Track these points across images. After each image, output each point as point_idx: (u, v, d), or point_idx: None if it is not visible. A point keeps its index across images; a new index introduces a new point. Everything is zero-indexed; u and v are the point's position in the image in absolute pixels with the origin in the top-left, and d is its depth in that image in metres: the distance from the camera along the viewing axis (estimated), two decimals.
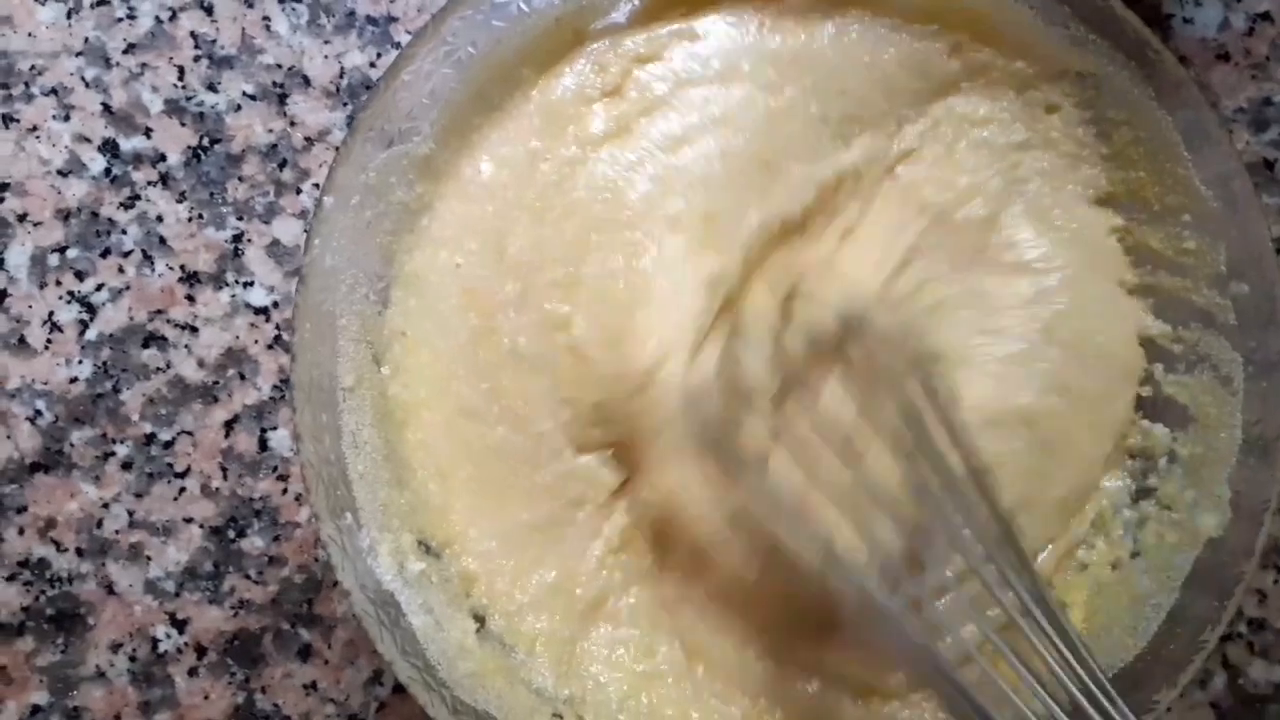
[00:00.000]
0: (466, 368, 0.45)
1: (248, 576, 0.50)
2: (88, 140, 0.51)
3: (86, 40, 0.51)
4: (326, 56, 0.52)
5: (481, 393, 0.45)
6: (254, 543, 0.50)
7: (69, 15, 0.51)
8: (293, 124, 0.51)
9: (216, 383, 0.50)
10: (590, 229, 0.46)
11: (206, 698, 0.49)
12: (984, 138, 0.48)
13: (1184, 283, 0.46)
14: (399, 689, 0.50)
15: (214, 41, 0.52)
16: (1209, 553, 0.43)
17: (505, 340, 0.45)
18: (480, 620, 0.44)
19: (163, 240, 0.51)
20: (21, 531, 0.49)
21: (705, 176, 0.46)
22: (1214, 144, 0.44)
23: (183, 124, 0.51)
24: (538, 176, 0.46)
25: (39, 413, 0.50)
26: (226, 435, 0.50)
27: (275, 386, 0.50)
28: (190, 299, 0.50)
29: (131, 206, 0.51)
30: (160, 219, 0.51)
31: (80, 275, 0.50)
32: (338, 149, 0.41)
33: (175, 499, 0.50)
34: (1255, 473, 0.43)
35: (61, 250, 0.50)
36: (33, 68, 0.51)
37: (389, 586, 0.41)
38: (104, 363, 0.50)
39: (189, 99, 0.51)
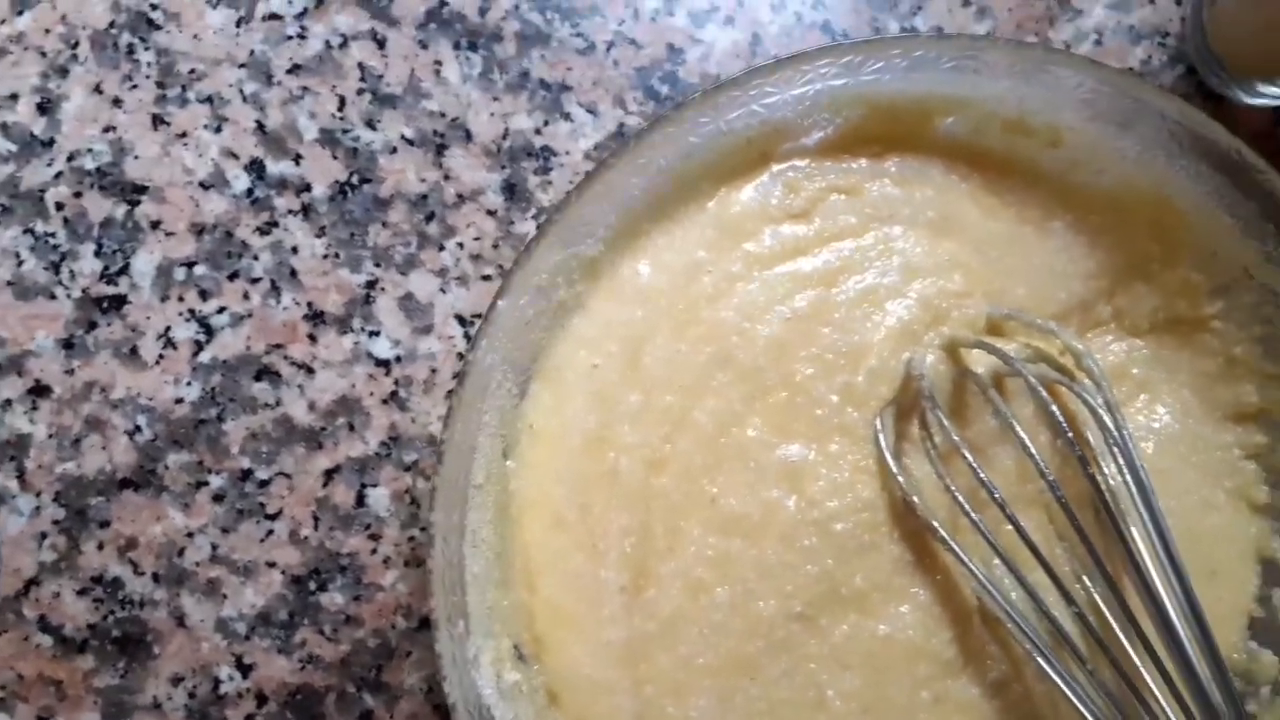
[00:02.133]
0: (571, 477, 0.44)
1: (321, 632, 0.48)
2: (235, 156, 0.49)
3: (252, 53, 0.49)
4: (493, 114, 0.50)
5: (576, 507, 0.44)
6: (334, 598, 0.48)
7: (239, 24, 0.49)
8: (447, 177, 0.50)
9: (324, 429, 0.49)
10: (718, 363, 0.45)
11: None
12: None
13: None
14: None
15: (380, 77, 0.50)
16: None
17: (610, 455, 0.44)
18: None
19: (294, 273, 0.49)
20: (101, 547, 0.48)
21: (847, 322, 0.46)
22: None
23: (334, 156, 0.49)
24: (694, 288, 0.45)
25: (139, 428, 0.48)
26: (325, 484, 0.49)
27: (383, 443, 0.49)
28: (312, 338, 0.49)
29: (268, 233, 0.49)
30: (295, 250, 0.49)
31: (204, 294, 0.49)
32: (520, 252, 0.39)
33: (261, 540, 0.48)
34: None
35: (190, 265, 0.49)
36: (192, 71, 0.49)
37: (487, 700, 0.40)
38: (213, 388, 0.48)
39: (345, 132, 0.49)
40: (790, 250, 0.46)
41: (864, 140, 0.46)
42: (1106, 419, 0.42)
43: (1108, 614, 0.42)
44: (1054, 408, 0.41)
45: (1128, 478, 0.41)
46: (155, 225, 0.48)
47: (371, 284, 0.49)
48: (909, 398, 0.45)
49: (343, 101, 0.50)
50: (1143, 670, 0.41)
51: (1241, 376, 0.47)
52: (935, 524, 0.42)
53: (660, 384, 0.44)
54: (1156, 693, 0.40)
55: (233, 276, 0.49)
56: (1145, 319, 0.47)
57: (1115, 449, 0.42)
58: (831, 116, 0.45)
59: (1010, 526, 0.41)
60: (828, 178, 0.46)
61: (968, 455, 0.42)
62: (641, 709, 0.42)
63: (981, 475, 0.41)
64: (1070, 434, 0.41)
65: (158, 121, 0.49)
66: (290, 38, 0.50)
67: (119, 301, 0.48)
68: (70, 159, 0.49)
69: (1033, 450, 0.40)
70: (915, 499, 0.43)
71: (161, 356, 0.48)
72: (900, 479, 0.43)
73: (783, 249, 0.45)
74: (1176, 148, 0.44)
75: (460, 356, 0.49)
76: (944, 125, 0.46)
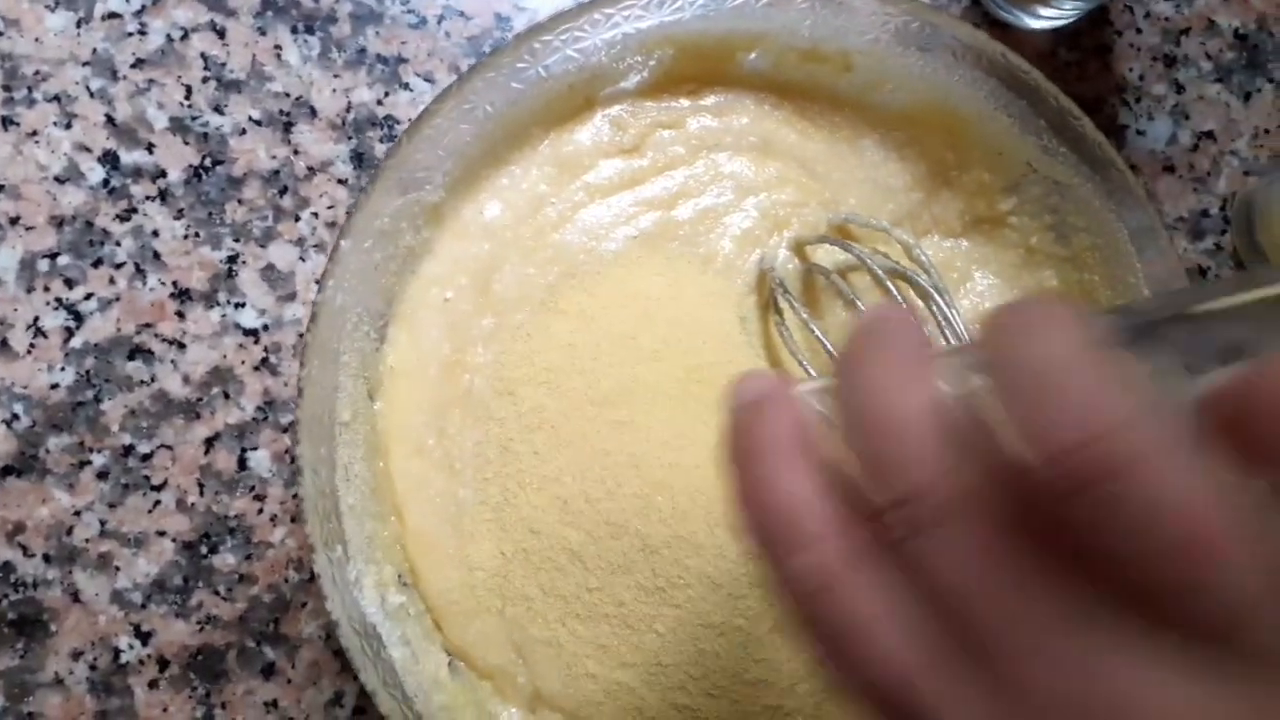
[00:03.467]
0: (430, 405, 0.47)
1: (216, 593, 0.50)
2: (88, 150, 0.51)
3: (94, 51, 0.52)
4: (335, 90, 0.53)
5: (435, 432, 0.47)
6: (225, 559, 0.51)
7: (79, 24, 0.52)
8: (296, 152, 0.52)
9: (200, 400, 0.51)
10: (568, 278, 0.48)
11: (165, 710, 0.50)
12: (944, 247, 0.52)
13: None
14: (359, 710, 0.51)
15: (224, 65, 0.52)
16: None
17: (466, 377, 0.47)
18: (453, 651, 0.46)
19: (157, 255, 0.51)
20: None
21: (692, 235, 0.49)
22: (1161, 251, 0.48)
23: (186, 142, 0.52)
24: (538, 218, 0.49)
25: (16, 416, 0.50)
26: (206, 452, 0.51)
27: (259, 408, 0.51)
28: (180, 315, 0.51)
29: (128, 219, 0.51)
30: (156, 234, 0.51)
31: (70, 283, 0.51)
32: (357, 195, 0.42)
33: (149, 511, 0.50)
34: None
35: (53, 256, 0.51)
36: (37, 73, 0.51)
37: (372, 619, 0.43)
38: (87, 371, 0.50)
39: (194, 119, 0.52)
40: (628, 180, 0.49)
41: (679, 80, 0.50)
42: (937, 299, 0.46)
43: None
44: (893, 289, 0.46)
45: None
46: (14, 221, 0.50)
47: (233, 259, 0.52)
48: (762, 297, 0.49)
49: (189, 90, 0.52)
50: None
51: (1040, 263, 0.52)
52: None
53: (511, 305, 0.48)
54: None
55: (97, 264, 0.51)
56: (957, 221, 0.52)
57: (946, 329, 0.46)
58: (645, 59, 0.49)
59: None
60: (651, 115, 0.50)
61: (819, 335, 0.45)
62: (510, 630, 0.45)
63: (831, 349, 0.45)
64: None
65: (7, 123, 0.51)
66: (131, 34, 0.52)
67: None
68: None
69: None
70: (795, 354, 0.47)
71: (33, 345, 0.50)
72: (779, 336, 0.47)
73: (620, 179, 0.49)
74: (953, 59, 0.49)
75: None
76: (748, 61, 0.50)
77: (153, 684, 0.50)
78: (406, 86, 0.53)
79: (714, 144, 0.51)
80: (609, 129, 0.49)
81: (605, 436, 0.46)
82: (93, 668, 0.49)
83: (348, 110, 0.53)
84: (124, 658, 0.50)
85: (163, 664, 0.50)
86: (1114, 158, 0.47)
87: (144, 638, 0.50)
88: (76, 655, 0.49)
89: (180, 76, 0.52)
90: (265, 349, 0.52)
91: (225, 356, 0.51)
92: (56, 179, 0.51)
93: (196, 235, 0.52)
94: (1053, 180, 0.50)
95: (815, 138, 0.52)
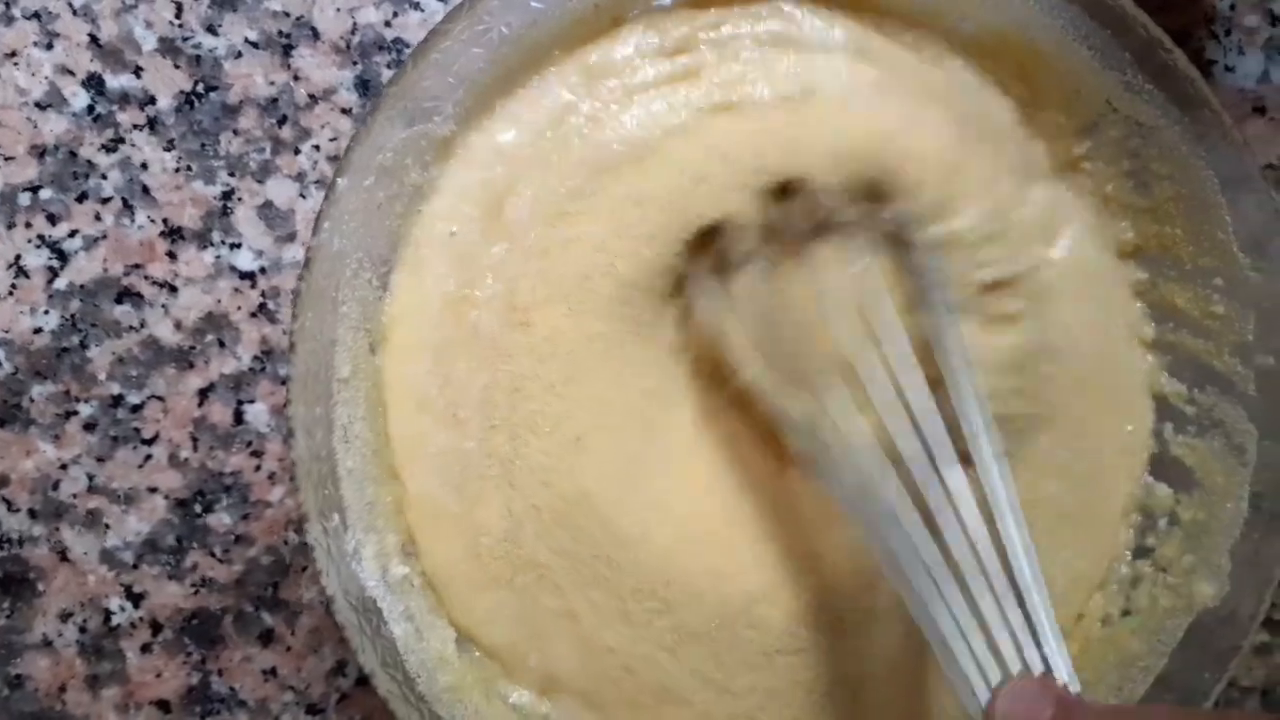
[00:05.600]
0: (432, 349, 0.42)
1: (212, 554, 0.47)
2: (70, 73, 0.47)
3: None
4: (339, 9, 0.48)
5: (438, 380, 0.42)
6: (221, 519, 0.47)
7: None
8: (296, 78, 0.48)
9: (193, 348, 0.47)
10: (599, 174, 0.42)
11: (159, 676, 0.47)
12: None
13: (1206, 346, 0.45)
14: (362, 681, 0.48)
15: None
16: (1204, 621, 0.43)
17: (472, 314, 0.42)
18: (459, 629, 0.42)
19: (146, 190, 0.47)
20: None
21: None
22: (1259, 203, 0.43)
23: (176, 66, 0.47)
24: (563, 128, 0.42)
25: None
26: (200, 404, 0.47)
27: (256, 357, 0.48)
28: (171, 255, 0.47)
29: (114, 150, 0.47)
30: (145, 166, 0.47)
31: (53, 219, 0.47)
32: (357, 126, 0.38)
33: (140, 466, 0.47)
34: (1260, 547, 0.42)
35: (34, 189, 0.47)
36: None
37: (372, 592, 0.39)
38: (72, 315, 0.47)
39: (185, 39, 0.47)
40: (667, 77, 0.43)
41: None
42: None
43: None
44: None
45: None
46: None
47: (228, 194, 0.48)
48: None
49: (180, 8, 0.47)
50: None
51: (1116, 214, 0.47)
52: None
53: (525, 225, 0.42)
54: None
55: (81, 198, 0.47)
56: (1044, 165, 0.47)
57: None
58: None
59: None
60: (692, 24, 0.44)
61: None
62: (521, 602, 0.42)
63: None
64: None
65: None
66: None
67: None
68: None
69: None
70: None
71: (14, 286, 0.46)
72: None
73: (659, 77, 0.43)
74: None
75: None
76: None
77: (145, 648, 0.47)
78: (417, 6, 0.49)
79: (780, 43, 0.44)
80: (642, 36, 0.43)
81: None
82: (82, 630, 0.47)
83: (353, 32, 0.48)
84: (115, 620, 0.47)
85: (156, 627, 0.47)
86: (1207, 96, 0.42)
87: (135, 599, 0.47)
88: (65, 616, 0.46)
89: None
90: (263, 294, 0.48)
91: (220, 301, 0.47)
92: (37, 105, 0.47)
93: (188, 169, 0.47)
94: (1134, 121, 0.45)
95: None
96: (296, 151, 0.48)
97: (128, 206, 0.47)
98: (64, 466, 0.46)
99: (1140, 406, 0.47)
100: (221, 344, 0.47)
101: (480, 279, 0.42)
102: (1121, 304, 0.48)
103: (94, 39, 0.47)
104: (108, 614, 0.47)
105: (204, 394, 0.47)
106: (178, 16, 0.47)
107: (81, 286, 0.47)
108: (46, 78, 0.47)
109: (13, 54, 0.47)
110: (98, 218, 0.47)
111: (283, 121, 0.48)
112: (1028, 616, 0.36)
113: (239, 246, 0.47)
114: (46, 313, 0.46)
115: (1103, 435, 0.47)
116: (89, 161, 0.47)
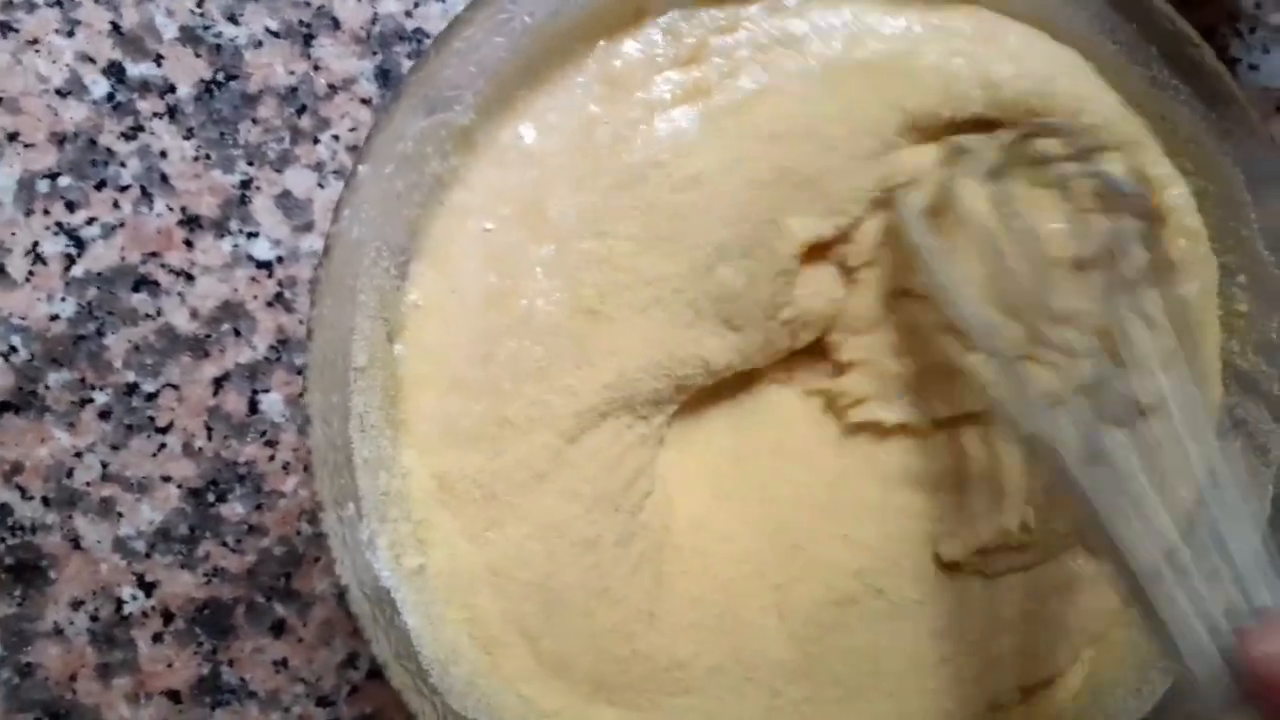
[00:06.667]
0: (470, 334, 0.41)
1: (224, 544, 0.47)
2: (91, 61, 0.47)
3: None
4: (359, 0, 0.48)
5: (478, 359, 0.42)
6: (234, 509, 0.47)
7: None
8: (316, 68, 0.48)
9: (209, 336, 0.47)
10: (640, 203, 0.42)
11: (170, 665, 0.47)
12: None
13: (1229, 344, 0.45)
14: (373, 674, 0.48)
15: None
16: None
17: (523, 301, 0.41)
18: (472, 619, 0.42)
19: (164, 178, 0.47)
20: None
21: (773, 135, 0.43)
22: None
23: (197, 54, 0.47)
24: (591, 143, 0.42)
25: (14, 349, 0.46)
26: (215, 393, 0.47)
27: (272, 347, 0.47)
28: (189, 244, 0.47)
29: (134, 138, 0.47)
30: (164, 154, 0.47)
31: (71, 206, 0.47)
32: (379, 113, 0.38)
33: (154, 455, 0.47)
34: None
35: (53, 177, 0.46)
36: None
37: (386, 583, 0.39)
38: (89, 303, 0.47)
39: (206, 28, 0.47)
40: (690, 92, 0.43)
41: None
42: None
43: None
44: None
45: None
46: (13, 138, 0.46)
47: (246, 184, 0.47)
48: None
49: None
50: None
51: None
52: None
53: (575, 233, 0.42)
54: None
55: (100, 186, 0.47)
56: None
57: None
58: None
59: None
60: (717, 21, 0.44)
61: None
62: (531, 590, 0.41)
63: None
64: None
65: (6, 29, 0.46)
66: None
67: None
68: None
69: None
70: None
71: (31, 273, 0.46)
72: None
73: (682, 93, 0.43)
74: None
75: None
76: None
77: (157, 637, 0.47)
78: None
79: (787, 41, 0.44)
80: (662, 39, 0.43)
81: None
82: (94, 618, 0.46)
83: (373, 22, 0.48)
84: (127, 609, 0.46)
85: (167, 617, 0.47)
86: (1235, 92, 0.42)
87: (148, 588, 0.47)
88: (77, 605, 0.46)
89: None
90: (279, 283, 0.47)
91: (236, 290, 0.47)
92: (58, 92, 0.47)
93: (207, 157, 0.47)
94: (1159, 116, 0.44)
95: None
96: (315, 141, 0.48)
97: (146, 194, 0.47)
98: (78, 454, 0.46)
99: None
100: (237, 333, 0.47)
101: (528, 275, 0.42)
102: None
103: (115, 27, 0.47)
104: (119, 603, 0.46)
105: (219, 383, 0.47)
106: (199, 5, 0.47)
107: (99, 274, 0.47)
108: (67, 65, 0.47)
109: (34, 41, 0.47)
110: (116, 205, 0.47)
111: (302, 111, 0.48)
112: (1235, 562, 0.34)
113: (256, 236, 0.47)
114: (63, 300, 0.46)
115: None
116: (108, 149, 0.47)
